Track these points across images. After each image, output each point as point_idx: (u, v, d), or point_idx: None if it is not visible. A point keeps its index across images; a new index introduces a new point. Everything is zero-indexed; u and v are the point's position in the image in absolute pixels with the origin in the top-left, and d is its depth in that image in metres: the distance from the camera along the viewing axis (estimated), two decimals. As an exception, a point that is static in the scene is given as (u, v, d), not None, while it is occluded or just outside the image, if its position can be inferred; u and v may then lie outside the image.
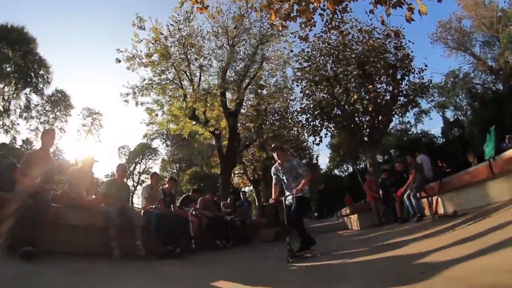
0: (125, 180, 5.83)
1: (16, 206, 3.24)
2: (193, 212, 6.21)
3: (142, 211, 5.35)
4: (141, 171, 39.34)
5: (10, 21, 29.94)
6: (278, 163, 4.56)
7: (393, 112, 12.70)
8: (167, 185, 6.40)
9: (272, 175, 4.71)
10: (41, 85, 31.07)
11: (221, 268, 4.04)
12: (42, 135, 4.37)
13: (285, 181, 4.50)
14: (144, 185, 6.03)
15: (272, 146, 5.19)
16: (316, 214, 22.84)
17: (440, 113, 35.29)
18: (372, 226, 8.50)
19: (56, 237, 3.85)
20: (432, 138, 34.81)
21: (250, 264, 4.46)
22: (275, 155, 4.57)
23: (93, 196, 4.91)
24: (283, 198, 4.41)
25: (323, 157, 49.86)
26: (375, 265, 2.99)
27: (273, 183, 4.69)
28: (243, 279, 3.00)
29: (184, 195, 7.10)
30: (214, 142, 14.99)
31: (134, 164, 38.01)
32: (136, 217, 4.72)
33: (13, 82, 29.17)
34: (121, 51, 13.08)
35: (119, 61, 13.10)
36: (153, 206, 5.15)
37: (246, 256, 5.60)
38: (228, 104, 14.05)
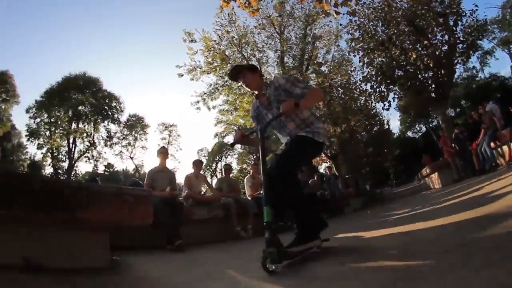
0: (231, 176, 6.98)
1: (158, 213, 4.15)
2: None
3: (250, 198, 6.24)
4: (221, 168, 42.44)
5: (73, 70, 35.13)
6: (255, 95, 2.65)
7: (455, 62, 12.25)
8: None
9: (251, 120, 2.86)
10: (116, 115, 35.53)
11: (335, 230, 4.54)
12: (157, 153, 5.32)
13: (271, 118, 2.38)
14: (246, 176, 7.26)
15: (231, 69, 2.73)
16: (394, 181, 22.69)
17: (506, 51, 31.40)
18: (452, 182, 8.61)
19: (190, 231, 4.59)
20: (502, 80, 31.23)
21: (357, 223, 5.04)
22: (242, 83, 2.59)
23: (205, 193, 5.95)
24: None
25: (393, 121, 47.71)
26: (451, 206, 3.71)
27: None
28: (362, 229, 3.53)
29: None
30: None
31: (215, 163, 41.19)
32: (249, 204, 5.67)
33: (92, 119, 33.94)
34: (180, 66, 14.24)
35: (182, 75, 14.32)
36: (261, 192, 5.97)
37: (347, 220, 6.48)
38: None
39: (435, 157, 15.22)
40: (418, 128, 39.93)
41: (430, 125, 31.97)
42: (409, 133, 41.29)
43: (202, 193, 6.22)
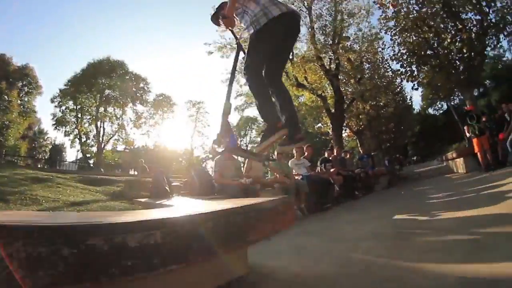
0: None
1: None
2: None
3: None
4: (247, 143, 43.04)
5: (96, 56, 36.23)
6: None
7: (486, 44, 12.36)
8: (306, 153, 7.62)
9: None
10: (143, 96, 37.16)
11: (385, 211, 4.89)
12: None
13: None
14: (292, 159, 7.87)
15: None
16: (414, 158, 23.24)
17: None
18: (475, 169, 8.66)
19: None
20: (531, 61, 30.11)
21: (400, 204, 5.49)
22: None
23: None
24: None
25: (415, 96, 46.38)
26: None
27: None
28: (415, 212, 4.14)
29: (322, 157, 8.47)
30: (321, 104, 15.88)
31: (240, 138, 41.94)
32: (301, 184, 6.15)
33: (120, 102, 35.45)
34: (210, 44, 14.73)
35: (211, 53, 14.80)
36: (305, 174, 6.70)
37: (386, 199, 6.84)
38: (327, 66, 14.86)
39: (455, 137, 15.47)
40: (439, 105, 39.33)
41: (452, 103, 31.60)
42: (430, 110, 40.92)
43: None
